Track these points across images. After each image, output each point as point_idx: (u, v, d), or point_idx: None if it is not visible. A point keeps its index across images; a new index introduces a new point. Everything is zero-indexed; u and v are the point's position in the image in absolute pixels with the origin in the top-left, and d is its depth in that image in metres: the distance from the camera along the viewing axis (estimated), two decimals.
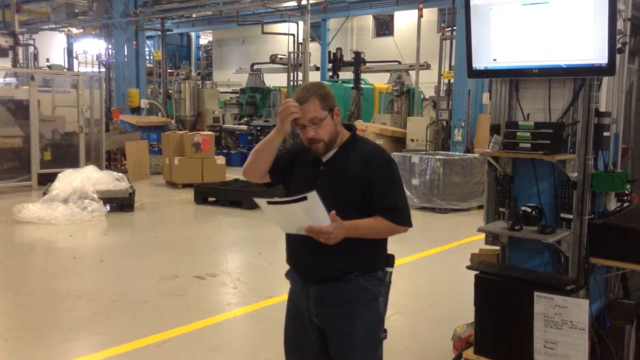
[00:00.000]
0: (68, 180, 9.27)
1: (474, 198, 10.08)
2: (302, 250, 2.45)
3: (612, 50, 2.90)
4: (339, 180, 2.44)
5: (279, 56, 20.94)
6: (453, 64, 13.91)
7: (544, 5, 3.01)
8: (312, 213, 2.26)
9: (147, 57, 22.21)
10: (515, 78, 3.32)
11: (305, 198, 2.20)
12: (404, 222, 2.44)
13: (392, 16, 25.15)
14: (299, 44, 17.71)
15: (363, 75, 18.91)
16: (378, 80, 20.18)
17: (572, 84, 3.15)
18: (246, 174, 2.59)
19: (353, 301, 2.45)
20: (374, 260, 2.50)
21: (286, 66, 18.30)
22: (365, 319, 2.47)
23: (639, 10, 3.58)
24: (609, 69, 2.94)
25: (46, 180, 10.31)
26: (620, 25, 3.02)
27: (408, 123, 14.74)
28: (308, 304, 2.50)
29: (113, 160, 14.28)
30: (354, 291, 2.45)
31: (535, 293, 2.96)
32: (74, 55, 28.74)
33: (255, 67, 22.71)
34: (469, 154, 11.15)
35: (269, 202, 2.27)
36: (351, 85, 18.00)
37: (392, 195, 2.44)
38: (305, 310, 2.52)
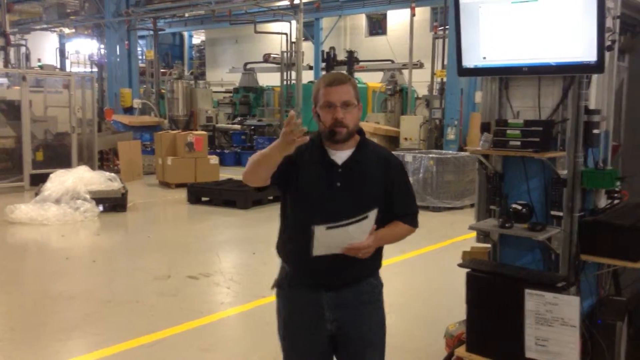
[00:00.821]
0: (60, 180, 9.25)
1: (467, 196, 10.11)
2: (320, 258, 2.29)
3: (601, 48, 2.91)
4: (360, 182, 2.37)
5: (272, 55, 20.92)
6: (446, 62, 13.93)
7: (533, 3, 3.02)
8: (361, 231, 2.22)
9: (140, 57, 22.16)
10: (505, 76, 3.33)
11: (366, 217, 2.17)
12: (417, 224, 2.50)
13: (385, 15, 25.17)
14: (292, 43, 17.69)
15: (356, 75, 18.91)
16: (371, 80, 20.18)
17: (562, 82, 3.16)
18: (246, 181, 2.43)
19: (368, 301, 2.46)
20: (380, 260, 2.52)
21: (279, 65, 18.28)
22: (378, 316, 2.51)
23: (629, 8, 3.59)
24: (598, 67, 2.95)
25: (38, 180, 10.28)
26: (609, 23, 3.03)
27: (401, 122, 14.77)
28: (320, 311, 2.41)
29: (105, 160, 14.23)
30: (368, 291, 2.46)
31: (526, 290, 2.96)
32: (66, 55, 28.61)
33: (249, 66, 22.67)
34: (462, 153, 11.18)
35: (329, 227, 2.16)
36: None
37: (410, 201, 2.50)
38: (315, 318, 2.42)
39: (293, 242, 2.42)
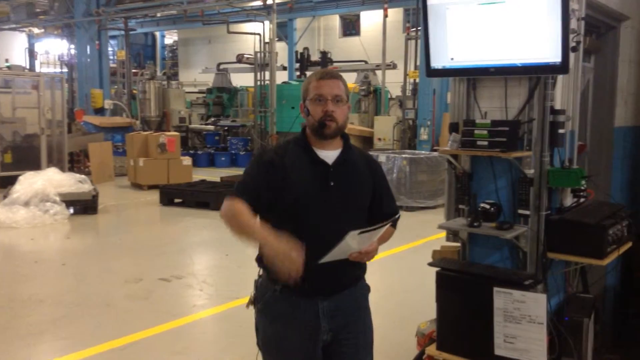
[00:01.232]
0: (29, 182, 9.11)
1: (440, 196, 10.19)
2: (322, 264, 2.20)
3: (565, 49, 2.95)
4: (353, 182, 2.35)
5: (245, 56, 20.84)
6: (418, 63, 14.04)
7: (500, 4, 3.06)
8: (376, 235, 2.21)
9: (111, 57, 21.87)
10: (472, 77, 3.36)
11: (390, 222, 2.21)
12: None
13: (358, 16, 25.25)
14: (265, 43, 17.65)
15: None
16: (345, 80, 20.21)
17: (528, 83, 3.21)
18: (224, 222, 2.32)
19: (361, 306, 2.47)
20: None
21: (253, 66, 18.22)
22: (368, 319, 2.52)
23: (594, 9, 3.66)
24: (562, 68, 2.99)
25: (7, 183, 10.08)
26: (574, 24, 3.08)
27: (375, 122, 14.85)
28: (316, 322, 2.32)
29: (76, 162, 14.01)
30: (361, 293, 2.47)
31: (495, 288, 3.00)
32: (35, 55, 28.11)
33: (222, 66, 22.53)
34: (435, 153, 11.27)
35: (362, 232, 2.12)
36: None
37: (394, 202, 2.52)
38: (311, 331, 2.33)
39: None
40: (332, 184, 2.30)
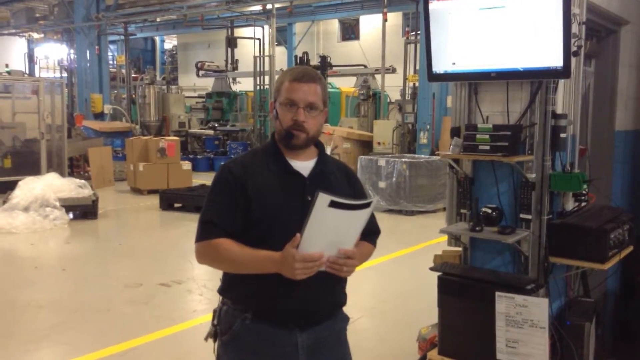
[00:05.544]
0: (29, 188, 9.09)
1: (439, 200, 10.19)
2: (301, 285, 1.92)
3: (567, 54, 2.96)
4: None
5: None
6: (418, 67, 14.06)
7: (501, 9, 3.06)
8: (354, 230, 1.93)
9: (111, 62, 21.89)
10: (473, 81, 3.36)
11: (369, 204, 1.89)
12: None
13: (357, 20, 25.31)
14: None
15: (329, 79, 18.96)
16: (344, 84, 20.27)
17: (529, 87, 3.21)
18: (202, 263, 2.09)
19: (342, 338, 2.20)
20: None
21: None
22: (349, 353, 2.23)
23: (594, 13, 3.67)
24: (564, 72, 3.00)
25: (6, 188, 10.05)
26: (575, 28, 3.09)
27: (374, 126, 14.84)
28: (294, 357, 2.03)
29: (76, 167, 14.03)
30: (340, 324, 2.20)
31: (497, 293, 2.99)
32: (35, 60, 28.13)
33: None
34: (435, 157, 11.27)
35: (334, 203, 1.78)
36: None
37: (375, 218, 2.23)
38: None
39: (261, 274, 1.97)
40: (309, 198, 1.91)
